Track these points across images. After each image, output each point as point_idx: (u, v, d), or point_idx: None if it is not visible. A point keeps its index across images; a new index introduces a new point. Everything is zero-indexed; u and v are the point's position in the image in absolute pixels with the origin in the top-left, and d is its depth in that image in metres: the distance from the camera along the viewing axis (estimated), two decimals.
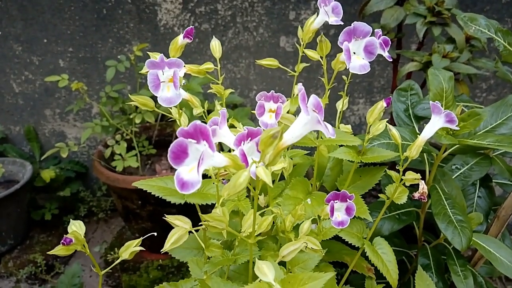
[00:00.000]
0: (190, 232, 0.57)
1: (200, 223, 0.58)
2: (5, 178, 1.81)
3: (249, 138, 0.50)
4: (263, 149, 0.43)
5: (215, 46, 0.82)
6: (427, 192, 0.71)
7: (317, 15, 0.78)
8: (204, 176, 0.75)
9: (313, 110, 0.45)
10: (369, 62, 0.69)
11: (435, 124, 0.70)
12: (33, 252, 1.72)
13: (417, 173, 0.72)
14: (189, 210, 0.82)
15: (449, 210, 0.86)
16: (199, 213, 0.78)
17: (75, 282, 1.33)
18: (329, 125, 0.47)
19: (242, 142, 0.49)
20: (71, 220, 0.57)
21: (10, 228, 1.72)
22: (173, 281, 0.76)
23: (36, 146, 1.94)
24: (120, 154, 1.57)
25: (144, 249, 0.59)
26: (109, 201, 1.99)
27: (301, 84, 0.49)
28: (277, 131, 0.42)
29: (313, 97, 0.47)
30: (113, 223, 1.94)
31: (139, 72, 0.70)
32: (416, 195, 0.70)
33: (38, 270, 1.62)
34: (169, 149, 0.41)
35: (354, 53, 0.70)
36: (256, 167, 0.44)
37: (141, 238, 0.57)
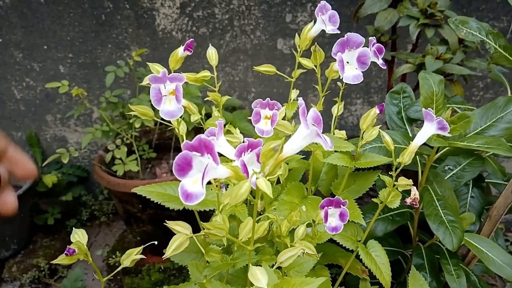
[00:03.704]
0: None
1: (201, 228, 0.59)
2: None
3: (249, 149, 0.51)
4: (264, 161, 0.45)
5: (212, 54, 0.84)
6: (418, 198, 0.73)
7: (314, 23, 0.79)
8: None
9: (313, 124, 0.47)
10: (362, 71, 0.71)
11: (428, 130, 0.72)
12: (37, 256, 1.74)
13: (409, 174, 0.74)
14: (188, 214, 0.84)
15: (440, 211, 0.88)
16: (198, 220, 0.80)
17: (78, 286, 1.36)
18: (327, 138, 0.48)
19: (243, 153, 0.51)
20: (73, 228, 0.60)
21: (14, 233, 1.74)
22: (174, 284, 0.78)
23: (38, 151, 1.96)
24: (120, 159, 1.59)
25: (144, 256, 0.62)
26: (110, 205, 2.01)
27: (301, 98, 0.51)
28: (278, 145, 0.44)
29: (312, 111, 0.48)
30: (115, 227, 1.96)
31: (140, 83, 0.72)
32: (408, 201, 0.72)
33: (42, 274, 1.65)
34: (174, 161, 0.42)
35: (348, 62, 0.71)
36: (257, 178, 0.46)
37: (142, 246, 0.59)
